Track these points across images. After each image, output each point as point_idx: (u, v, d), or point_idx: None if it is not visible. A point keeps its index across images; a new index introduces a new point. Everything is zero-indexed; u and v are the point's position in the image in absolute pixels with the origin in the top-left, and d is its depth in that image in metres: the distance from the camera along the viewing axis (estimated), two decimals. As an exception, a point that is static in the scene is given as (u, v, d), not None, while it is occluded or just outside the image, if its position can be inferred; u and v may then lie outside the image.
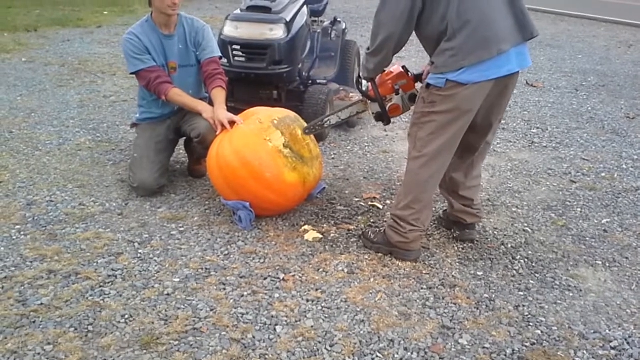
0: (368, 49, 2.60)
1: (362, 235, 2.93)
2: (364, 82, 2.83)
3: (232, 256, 2.76)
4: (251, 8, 4.19)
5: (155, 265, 2.66)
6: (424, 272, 2.68)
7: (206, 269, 2.64)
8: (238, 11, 4.24)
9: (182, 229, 3.00)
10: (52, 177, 3.53)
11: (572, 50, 8.24)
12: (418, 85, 2.85)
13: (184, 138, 3.62)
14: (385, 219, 3.13)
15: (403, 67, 2.82)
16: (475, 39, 2.34)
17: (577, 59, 7.70)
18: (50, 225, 2.96)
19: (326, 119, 3.15)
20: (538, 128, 4.83)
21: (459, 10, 2.33)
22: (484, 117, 2.63)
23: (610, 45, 8.74)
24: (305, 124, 3.22)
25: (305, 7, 4.52)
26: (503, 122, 4.88)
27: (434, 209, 3.25)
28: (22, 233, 2.88)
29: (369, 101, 2.90)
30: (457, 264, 2.77)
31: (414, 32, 2.54)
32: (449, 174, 2.82)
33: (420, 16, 2.44)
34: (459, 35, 2.35)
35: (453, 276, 2.66)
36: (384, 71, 2.80)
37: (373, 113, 2.92)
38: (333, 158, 4.04)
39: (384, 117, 2.88)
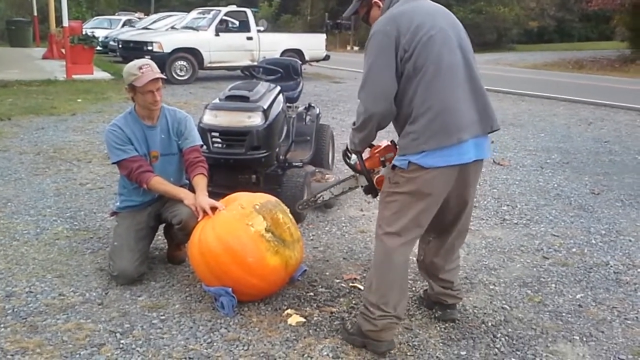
0: (354, 124, 2.68)
1: (342, 325, 2.88)
2: (353, 156, 2.89)
3: (215, 344, 2.74)
4: (230, 97, 4.37)
5: (138, 356, 2.62)
6: (409, 353, 2.70)
7: (189, 358, 2.62)
8: (217, 100, 4.40)
9: (163, 317, 2.98)
10: (31, 267, 3.50)
11: (534, 129, 8.62)
12: None
13: (163, 224, 3.65)
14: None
15: (392, 141, 2.89)
16: (436, 125, 2.44)
17: (539, 137, 8.06)
18: (31, 317, 2.92)
19: (319, 195, 3.23)
20: (508, 205, 4.99)
21: (424, 96, 2.44)
22: (455, 201, 2.71)
23: (571, 123, 9.18)
24: (286, 208, 3.29)
25: (281, 94, 4.73)
26: (474, 199, 5.03)
27: (413, 288, 3.32)
28: (1, 325, 2.83)
29: (357, 174, 2.98)
30: (441, 344, 2.79)
31: None
32: (429, 258, 2.89)
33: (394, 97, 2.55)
34: (420, 119, 2.45)
35: (437, 357, 2.68)
36: (372, 145, 2.90)
37: (362, 186, 3.00)
38: (312, 239, 4.10)
39: (371, 190, 2.95)
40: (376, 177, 2.90)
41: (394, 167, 2.59)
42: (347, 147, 2.92)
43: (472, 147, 2.52)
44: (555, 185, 5.66)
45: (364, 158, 2.88)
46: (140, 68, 3.29)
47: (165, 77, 3.39)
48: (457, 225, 2.84)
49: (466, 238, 4.06)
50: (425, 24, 2.48)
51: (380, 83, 2.49)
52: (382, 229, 2.63)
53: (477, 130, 2.53)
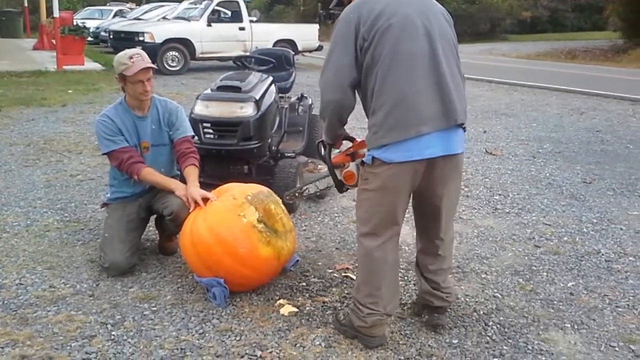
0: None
1: (334, 315, 2.85)
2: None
3: (207, 335, 2.74)
4: (221, 88, 4.35)
5: (130, 347, 2.61)
6: (401, 342, 2.70)
7: (181, 349, 2.61)
8: (208, 91, 4.38)
9: (154, 308, 2.97)
10: (21, 259, 3.48)
11: (526, 119, 8.63)
12: None
13: (155, 215, 3.63)
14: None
15: None
16: (393, 118, 2.35)
17: (532, 127, 8.07)
18: (21, 309, 2.90)
19: (305, 188, 3.22)
20: (500, 195, 5.00)
21: (381, 88, 2.37)
22: (429, 198, 2.59)
23: (563, 113, 9.19)
24: (278, 199, 3.28)
25: (273, 85, 4.70)
26: (466, 189, 5.04)
27: (405, 277, 3.31)
28: (-9, 318, 2.82)
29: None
30: (432, 332, 2.79)
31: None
32: (418, 255, 2.83)
33: (359, 90, 2.49)
34: (379, 112, 2.38)
35: (429, 345, 2.68)
36: (355, 140, 2.87)
37: (334, 180, 2.96)
38: (304, 230, 4.09)
39: (337, 184, 2.92)
40: (344, 171, 2.86)
41: (362, 163, 2.54)
42: (321, 140, 2.88)
43: (436, 141, 2.40)
44: (547, 174, 5.66)
45: (341, 152, 2.85)
46: (131, 57, 3.26)
47: (155, 67, 3.36)
48: (437, 223, 2.68)
49: (458, 227, 4.10)
50: (386, 12, 2.38)
51: (335, 71, 2.44)
52: (359, 229, 2.59)
53: (442, 124, 2.40)
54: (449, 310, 2.97)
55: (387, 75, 2.36)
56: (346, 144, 2.93)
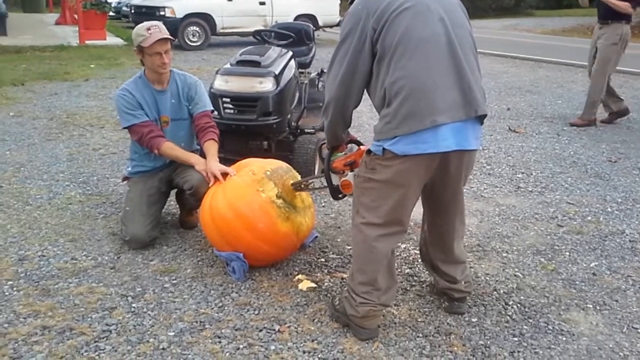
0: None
1: (331, 299, 2.78)
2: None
3: (226, 308, 2.76)
4: (241, 62, 4.31)
5: (150, 319, 2.64)
6: (419, 319, 2.69)
7: (200, 321, 2.63)
8: (228, 65, 4.35)
9: (175, 281, 3.00)
10: (44, 231, 3.53)
11: (551, 96, 8.47)
12: None
13: (176, 190, 3.65)
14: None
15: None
16: (407, 107, 2.21)
17: (557, 104, 7.92)
18: (43, 280, 2.95)
19: (311, 181, 3.19)
20: (523, 173, 4.93)
21: (395, 77, 2.22)
22: (440, 192, 2.52)
23: (588, 90, 8.98)
24: (297, 175, 3.26)
25: (293, 60, 4.66)
26: (488, 167, 4.98)
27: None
28: (14, 289, 2.86)
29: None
30: (452, 310, 2.78)
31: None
32: (429, 249, 2.74)
33: (369, 85, 2.37)
34: (394, 102, 2.23)
35: (448, 323, 2.67)
36: (360, 148, 2.75)
37: (329, 186, 2.85)
38: (323, 206, 4.08)
39: (332, 191, 2.82)
40: (342, 180, 2.76)
41: (369, 152, 2.41)
42: (323, 142, 2.79)
43: (450, 133, 2.24)
44: (572, 152, 5.57)
45: (343, 158, 2.75)
46: (149, 29, 3.25)
47: (173, 39, 3.34)
48: (449, 219, 2.62)
49: (480, 205, 4.06)
50: (397, 0, 2.25)
51: (341, 66, 2.32)
52: (362, 216, 2.44)
53: (459, 114, 2.25)
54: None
55: (400, 64, 2.22)
56: (351, 148, 2.81)
